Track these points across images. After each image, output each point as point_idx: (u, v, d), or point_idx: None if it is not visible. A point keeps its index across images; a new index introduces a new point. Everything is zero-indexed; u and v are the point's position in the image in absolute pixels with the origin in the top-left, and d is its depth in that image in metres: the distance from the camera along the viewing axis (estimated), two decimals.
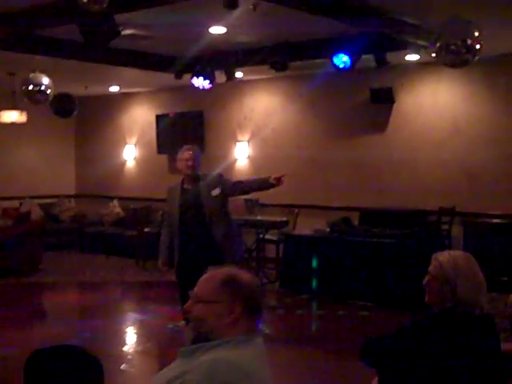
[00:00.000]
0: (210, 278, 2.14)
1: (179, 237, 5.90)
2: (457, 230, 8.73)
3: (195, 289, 2.15)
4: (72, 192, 13.64)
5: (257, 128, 10.91)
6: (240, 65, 9.00)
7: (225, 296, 2.07)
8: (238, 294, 2.08)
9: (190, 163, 5.82)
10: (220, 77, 9.12)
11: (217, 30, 7.38)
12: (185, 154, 5.85)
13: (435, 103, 9.13)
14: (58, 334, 6.62)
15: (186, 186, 5.92)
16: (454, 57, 5.80)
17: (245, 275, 2.15)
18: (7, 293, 8.95)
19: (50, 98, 8.67)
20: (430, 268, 2.79)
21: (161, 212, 5.75)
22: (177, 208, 5.87)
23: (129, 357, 6.18)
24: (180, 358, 2.13)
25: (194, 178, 5.87)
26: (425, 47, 6.99)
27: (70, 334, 6.79)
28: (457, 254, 2.82)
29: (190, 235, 5.87)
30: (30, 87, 8.30)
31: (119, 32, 6.49)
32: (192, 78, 8.90)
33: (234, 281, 2.10)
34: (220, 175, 6.02)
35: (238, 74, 9.59)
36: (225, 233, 5.86)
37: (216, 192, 5.79)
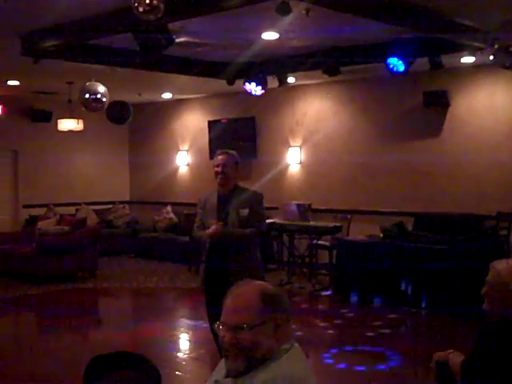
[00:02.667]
0: (245, 301, 2.04)
1: (208, 251, 4.98)
2: None
3: (231, 318, 2.02)
4: (126, 198, 13.87)
5: (309, 133, 10.88)
6: (292, 70, 9.00)
7: (267, 314, 2.02)
8: (277, 307, 2.05)
9: (221, 172, 4.82)
10: (272, 82, 9.13)
11: (269, 35, 7.39)
12: (217, 159, 4.88)
13: (492, 106, 8.94)
14: (114, 340, 6.72)
15: (222, 198, 4.91)
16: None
17: (270, 286, 2.12)
18: (65, 298, 9.14)
19: (106, 106, 8.83)
20: (488, 277, 2.75)
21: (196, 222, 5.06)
22: (212, 220, 4.89)
23: (183, 363, 6.22)
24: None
25: (229, 191, 4.87)
26: (481, 49, 6.87)
27: (125, 339, 6.89)
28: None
29: (215, 257, 4.92)
30: (87, 96, 8.45)
31: (174, 40, 6.57)
32: (244, 83, 8.94)
33: (268, 296, 2.06)
34: (258, 194, 5.00)
35: (290, 80, 9.58)
36: (240, 268, 4.71)
37: (245, 212, 4.78)
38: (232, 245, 4.83)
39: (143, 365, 2.09)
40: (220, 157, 4.85)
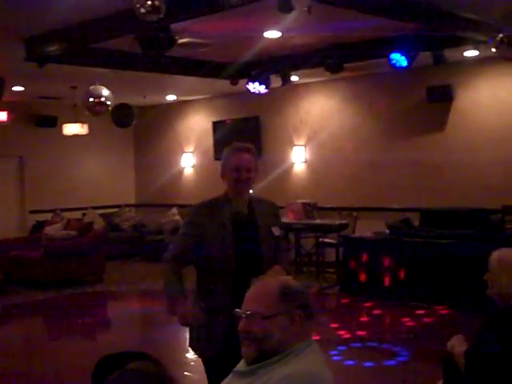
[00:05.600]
0: (264, 292, 2.08)
1: (221, 296, 3.25)
2: None
3: (248, 307, 2.07)
4: (132, 201, 13.89)
5: (313, 132, 10.88)
6: (295, 68, 9.00)
7: (285, 306, 2.04)
8: (296, 302, 2.06)
9: (246, 179, 3.33)
10: (275, 81, 9.13)
11: (272, 34, 7.40)
12: (238, 159, 3.32)
13: (495, 99, 8.92)
14: (123, 342, 6.73)
15: (238, 210, 3.37)
16: None
17: (294, 281, 2.14)
18: (73, 302, 9.15)
19: (110, 109, 8.85)
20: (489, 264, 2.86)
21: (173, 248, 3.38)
22: (230, 247, 3.25)
23: (192, 363, 6.22)
24: (236, 378, 2.09)
25: (244, 202, 3.40)
26: (484, 42, 6.86)
27: (134, 341, 6.90)
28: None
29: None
30: (91, 99, 8.47)
31: (176, 40, 6.59)
32: (248, 83, 8.94)
33: (289, 289, 2.08)
34: (276, 206, 3.59)
35: (294, 78, 9.58)
36: None
37: (277, 231, 3.43)
38: None
39: (149, 361, 2.10)
40: (245, 156, 3.33)
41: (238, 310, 2.09)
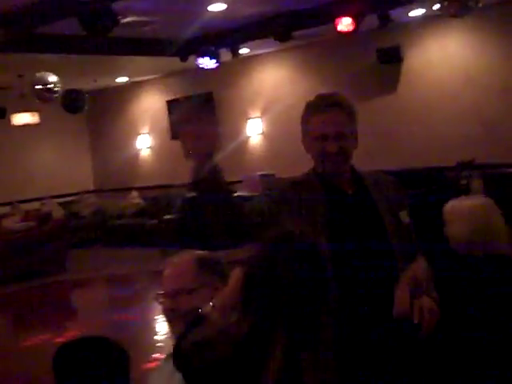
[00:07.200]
0: (181, 268, 2.07)
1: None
2: (477, 184, 8.61)
3: (167, 286, 2.05)
4: (91, 187, 13.71)
5: (268, 103, 10.84)
6: (244, 40, 8.92)
7: (205, 278, 2.04)
8: (214, 271, 2.07)
9: (338, 150, 2.31)
10: (226, 55, 9.05)
11: (216, 7, 7.31)
12: (327, 118, 2.30)
13: (445, 56, 8.98)
14: (90, 328, 6.68)
15: (337, 196, 2.31)
16: (457, 6, 5.70)
17: (206, 252, 2.13)
18: (36, 294, 9.02)
19: (60, 96, 8.69)
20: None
21: None
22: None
23: (161, 344, 6.22)
24: (170, 362, 2.03)
25: (348, 181, 2.39)
26: (429, 0, 6.88)
27: (101, 327, 6.84)
28: (464, 198, 2.92)
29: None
30: (38, 87, 8.31)
31: (119, 20, 6.46)
32: (197, 59, 8.85)
33: (204, 260, 2.08)
34: (398, 182, 2.48)
35: (244, 50, 9.49)
36: None
37: (406, 218, 2.35)
38: None
39: (109, 347, 2.09)
40: (331, 114, 2.28)
41: (159, 291, 2.06)
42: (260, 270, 1.62)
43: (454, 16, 6.17)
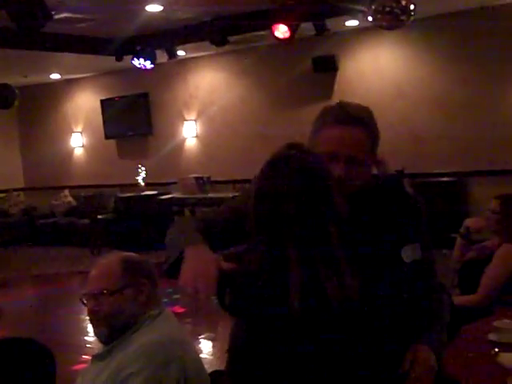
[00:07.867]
0: (106, 268, 2.07)
1: None
2: (409, 192, 8.82)
3: (91, 286, 2.05)
4: (21, 185, 13.35)
5: (203, 106, 10.83)
6: (180, 42, 8.90)
7: (130, 278, 2.04)
8: (140, 272, 2.07)
9: (350, 172, 1.83)
10: (162, 56, 9.00)
11: (153, 7, 7.28)
12: (341, 135, 1.86)
13: (377, 68, 9.18)
14: (16, 330, 6.50)
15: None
16: (390, 19, 5.83)
17: (133, 254, 2.14)
18: None
19: None
20: None
21: None
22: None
23: (90, 345, 6.13)
24: (96, 362, 2.07)
25: (358, 198, 1.84)
26: (363, 12, 7.01)
27: (28, 328, 6.67)
28: None
29: None
30: None
31: (52, 16, 6.33)
32: (133, 59, 8.77)
33: (129, 262, 2.08)
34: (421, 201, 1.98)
35: (180, 53, 9.48)
36: None
37: (414, 253, 1.83)
38: None
39: (34, 348, 2.05)
40: (347, 132, 1.87)
41: (83, 292, 2.06)
42: (264, 187, 1.71)
43: (387, 28, 6.31)
